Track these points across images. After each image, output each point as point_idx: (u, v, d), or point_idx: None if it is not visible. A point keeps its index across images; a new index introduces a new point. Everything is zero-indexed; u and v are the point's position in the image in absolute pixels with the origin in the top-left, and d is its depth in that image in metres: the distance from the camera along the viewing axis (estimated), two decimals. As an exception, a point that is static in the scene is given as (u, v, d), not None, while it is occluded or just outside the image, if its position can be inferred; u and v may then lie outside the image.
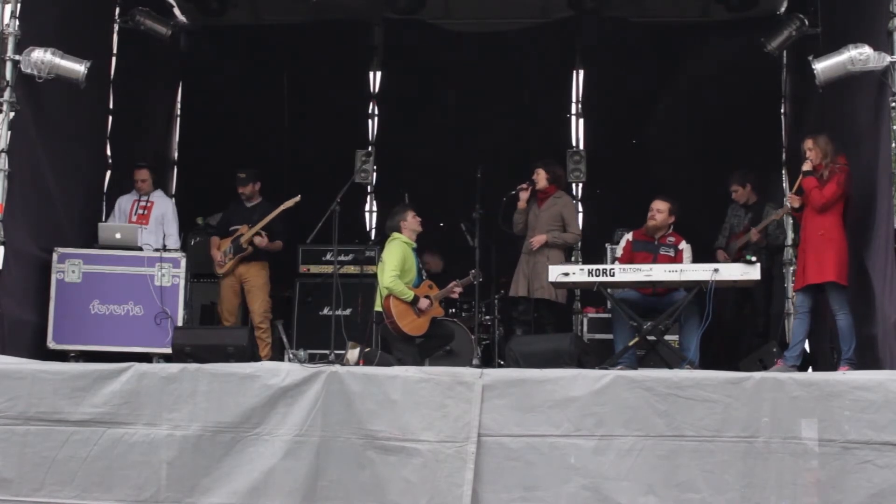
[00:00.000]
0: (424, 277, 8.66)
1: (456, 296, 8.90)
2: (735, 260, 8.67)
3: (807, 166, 7.76)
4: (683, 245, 8.60)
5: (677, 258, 8.47)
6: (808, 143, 7.85)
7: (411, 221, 8.59)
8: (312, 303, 9.96)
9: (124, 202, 9.36)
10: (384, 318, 8.29)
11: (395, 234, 8.56)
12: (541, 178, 9.06)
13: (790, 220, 10.56)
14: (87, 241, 8.85)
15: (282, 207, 9.16)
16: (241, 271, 9.28)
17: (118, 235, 8.75)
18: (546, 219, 8.98)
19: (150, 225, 9.19)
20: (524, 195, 9.02)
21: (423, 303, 8.36)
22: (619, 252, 8.72)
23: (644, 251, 8.51)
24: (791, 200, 7.96)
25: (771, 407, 6.22)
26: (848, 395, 6.16)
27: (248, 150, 11.02)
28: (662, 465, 6.22)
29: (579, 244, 11.23)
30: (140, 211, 9.26)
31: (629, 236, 8.73)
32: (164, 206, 9.40)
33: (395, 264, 8.31)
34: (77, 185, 9.02)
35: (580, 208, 11.44)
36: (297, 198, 9.13)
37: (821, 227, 7.63)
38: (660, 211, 8.57)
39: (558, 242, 8.91)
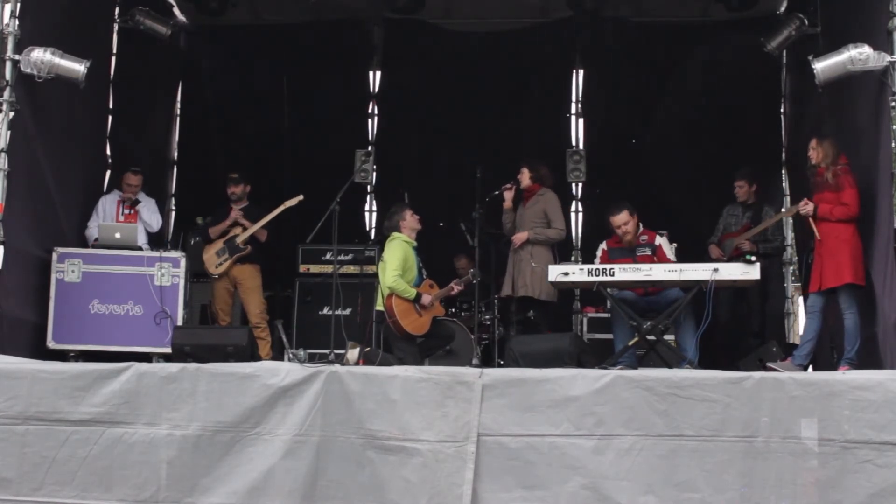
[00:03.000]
0: (424, 276, 8.66)
1: (455, 293, 8.89)
2: (731, 258, 8.67)
3: (809, 209, 7.75)
4: (659, 240, 8.55)
5: (658, 254, 8.44)
6: (813, 143, 7.87)
7: (410, 220, 8.60)
8: (312, 302, 9.97)
9: (108, 203, 9.25)
10: (386, 318, 8.29)
11: (395, 234, 8.56)
12: (525, 176, 9.07)
13: (790, 221, 10.57)
14: (87, 241, 8.86)
15: (283, 206, 9.16)
16: (235, 273, 9.29)
17: (118, 235, 8.74)
18: (530, 216, 8.95)
19: (138, 225, 9.16)
20: (508, 195, 9.00)
21: (426, 298, 8.36)
22: (597, 262, 8.55)
23: (621, 257, 8.45)
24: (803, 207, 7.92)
25: (770, 407, 6.21)
26: (848, 394, 6.15)
27: (248, 150, 11.05)
28: (662, 465, 6.21)
29: (578, 243, 11.33)
30: (127, 211, 9.23)
31: (604, 245, 8.67)
32: (149, 205, 9.37)
33: (396, 264, 8.31)
34: (77, 184, 9.02)
35: (580, 208, 11.47)
36: (300, 197, 9.13)
37: (835, 230, 7.63)
38: (624, 223, 8.44)
39: (541, 239, 8.85)
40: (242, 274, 9.29)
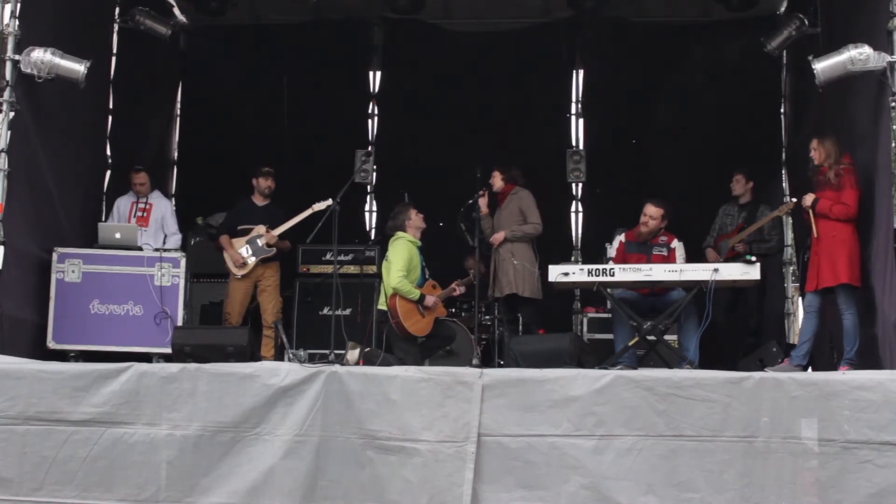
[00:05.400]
0: (428, 277, 8.66)
1: (458, 294, 8.89)
2: (727, 259, 8.68)
3: (808, 200, 7.74)
4: (675, 243, 8.61)
5: (670, 257, 8.47)
6: (814, 143, 7.84)
7: (415, 219, 8.59)
8: (312, 303, 9.95)
9: (122, 204, 9.32)
10: (389, 318, 8.28)
11: (400, 234, 8.55)
12: (496, 180, 9.06)
13: (789, 221, 10.57)
14: (87, 241, 8.85)
15: (311, 209, 9.02)
16: (259, 272, 9.23)
17: (118, 235, 8.75)
18: (507, 216, 8.95)
19: (149, 227, 9.18)
20: (483, 201, 8.95)
21: (430, 300, 8.35)
22: (612, 253, 8.70)
23: (637, 252, 8.51)
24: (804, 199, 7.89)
25: (770, 407, 6.21)
26: (847, 394, 6.16)
27: (248, 149, 11.04)
28: (662, 465, 6.21)
29: (578, 244, 11.34)
30: (139, 213, 9.24)
31: (622, 237, 8.73)
32: (163, 208, 9.38)
33: (401, 264, 8.30)
34: (77, 185, 9.02)
35: (580, 208, 11.48)
36: (329, 201, 8.99)
37: (833, 229, 7.62)
38: (653, 217, 8.54)
39: (518, 235, 8.83)
40: (266, 273, 9.24)
